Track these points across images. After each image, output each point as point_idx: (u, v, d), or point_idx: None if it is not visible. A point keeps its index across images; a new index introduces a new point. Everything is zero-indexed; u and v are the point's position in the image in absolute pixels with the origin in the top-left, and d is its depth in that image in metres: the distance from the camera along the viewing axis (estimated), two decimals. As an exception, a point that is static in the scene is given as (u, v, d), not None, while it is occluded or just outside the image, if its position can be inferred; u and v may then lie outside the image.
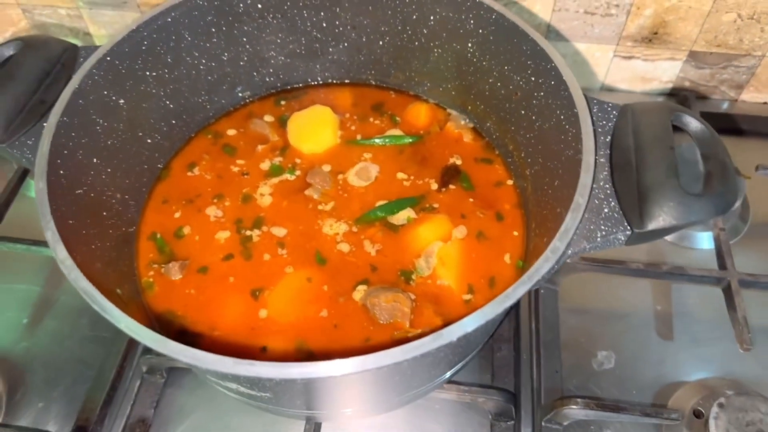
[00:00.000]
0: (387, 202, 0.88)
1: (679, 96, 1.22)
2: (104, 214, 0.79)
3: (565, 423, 0.86)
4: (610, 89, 1.26)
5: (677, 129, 0.70)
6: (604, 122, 0.73)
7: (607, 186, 0.68)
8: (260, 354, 0.75)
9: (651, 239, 0.65)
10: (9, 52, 0.81)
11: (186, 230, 0.87)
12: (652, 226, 0.64)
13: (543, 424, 0.86)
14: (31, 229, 0.98)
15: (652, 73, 1.22)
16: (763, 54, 1.14)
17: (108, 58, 0.79)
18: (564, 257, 0.61)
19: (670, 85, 1.24)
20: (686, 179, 0.66)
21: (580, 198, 0.64)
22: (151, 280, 0.82)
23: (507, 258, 0.83)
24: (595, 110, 0.74)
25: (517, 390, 0.89)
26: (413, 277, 0.82)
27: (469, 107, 0.96)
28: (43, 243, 0.96)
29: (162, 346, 0.55)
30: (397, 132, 0.97)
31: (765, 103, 1.24)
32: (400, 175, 0.92)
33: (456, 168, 0.92)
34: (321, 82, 1.05)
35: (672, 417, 0.82)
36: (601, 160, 0.70)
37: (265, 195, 0.90)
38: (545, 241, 0.71)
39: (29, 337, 0.96)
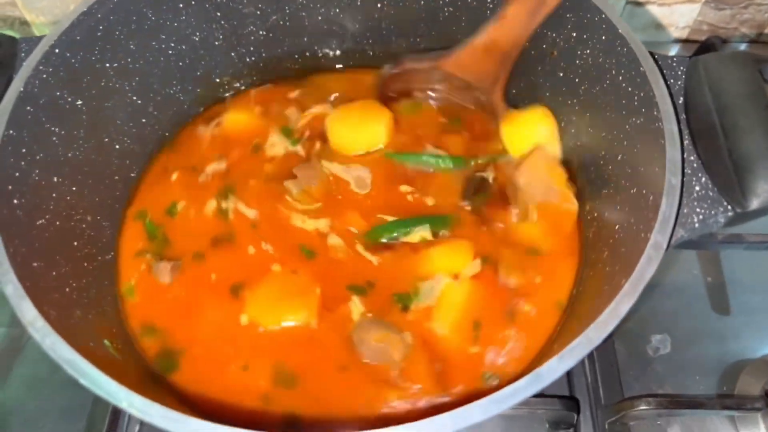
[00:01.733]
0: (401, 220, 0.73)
1: (705, 43, 1.11)
2: (75, 244, 0.65)
3: (632, 423, 0.76)
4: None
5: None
6: (672, 81, 0.62)
7: (692, 158, 0.57)
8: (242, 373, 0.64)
9: (754, 218, 0.55)
10: (-73, 51, 0.65)
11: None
12: (757, 203, 0.53)
13: (606, 426, 0.76)
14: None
15: (668, 19, 1.10)
16: (790, -13, 1.04)
17: (57, 50, 0.64)
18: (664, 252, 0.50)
19: (687, 31, 1.13)
20: None
21: (672, 177, 0.52)
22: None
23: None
24: (658, 67, 0.62)
25: (572, 392, 0.79)
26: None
27: (489, 73, 0.83)
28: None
29: (181, 426, 0.42)
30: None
31: (788, 41, 1.14)
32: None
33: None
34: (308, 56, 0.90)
35: (756, 407, 0.72)
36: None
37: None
38: (620, 228, 0.60)
39: (-1, 391, 0.82)
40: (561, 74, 0.72)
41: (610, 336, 0.73)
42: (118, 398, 0.43)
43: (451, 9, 0.80)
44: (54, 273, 0.58)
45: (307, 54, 0.89)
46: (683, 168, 0.53)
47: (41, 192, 0.61)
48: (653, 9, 1.09)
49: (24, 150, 0.59)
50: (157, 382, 0.63)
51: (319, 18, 0.85)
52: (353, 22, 0.85)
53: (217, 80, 0.85)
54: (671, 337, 0.84)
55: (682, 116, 0.60)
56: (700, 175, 0.56)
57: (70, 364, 0.45)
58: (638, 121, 0.60)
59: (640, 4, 1.08)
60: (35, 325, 0.47)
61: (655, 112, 0.56)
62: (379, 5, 0.83)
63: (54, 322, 0.47)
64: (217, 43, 0.81)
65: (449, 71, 0.77)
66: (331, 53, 0.89)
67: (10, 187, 0.56)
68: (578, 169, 0.73)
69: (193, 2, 0.76)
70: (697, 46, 1.12)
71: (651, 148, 0.56)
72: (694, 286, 0.89)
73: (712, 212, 0.54)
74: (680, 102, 0.60)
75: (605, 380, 0.79)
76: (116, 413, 0.77)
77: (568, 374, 0.80)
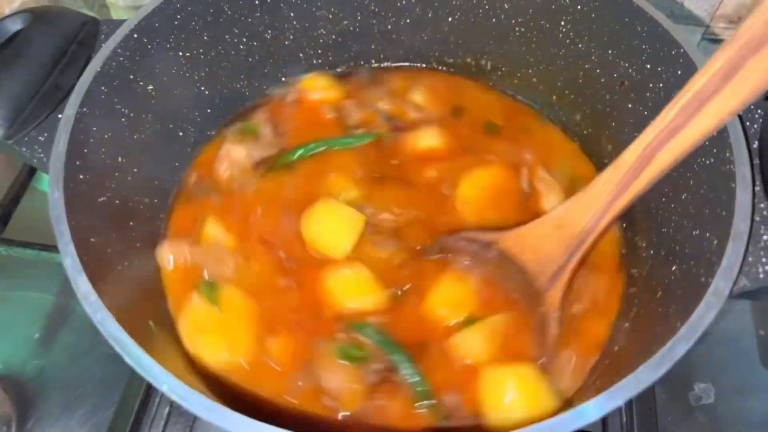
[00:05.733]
0: None
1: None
2: (130, 224, 0.66)
3: (666, 472, 0.73)
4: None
5: None
6: (748, 124, 0.59)
7: (762, 206, 0.54)
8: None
9: (823, 276, 0.52)
10: (16, 26, 0.67)
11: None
12: (829, 260, 0.50)
13: (639, 472, 0.73)
14: (42, 231, 0.85)
15: (744, 59, 1.07)
16: None
17: (135, 35, 0.66)
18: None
19: (762, 74, 1.09)
20: None
21: (741, 223, 0.50)
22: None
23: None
24: (734, 108, 0.59)
25: (605, 430, 0.76)
26: None
27: (554, 97, 0.82)
28: (56, 248, 0.84)
29: (219, 417, 0.42)
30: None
31: None
32: None
33: None
34: (375, 65, 0.90)
35: (801, 473, 0.69)
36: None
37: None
38: (677, 270, 0.58)
39: (41, 355, 0.84)
40: (629, 105, 0.70)
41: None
42: (160, 381, 0.44)
43: (522, 29, 0.79)
44: (109, 250, 0.59)
45: (373, 61, 0.90)
46: (753, 214, 0.51)
47: (105, 171, 0.63)
48: (729, 48, 1.05)
49: (95, 128, 0.61)
50: (194, 372, 0.64)
51: (389, 27, 0.85)
52: (422, 33, 0.85)
53: (283, 79, 0.87)
54: (715, 388, 0.81)
55: (755, 161, 0.57)
56: (769, 224, 0.53)
57: (118, 342, 0.46)
58: (707, 162, 0.58)
59: (715, 41, 1.05)
60: (88, 299, 0.48)
61: (728, 154, 0.54)
62: (450, 19, 0.83)
63: (105, 298, 0.48)
64: (287, 42, 0.83)
65: (506, 248, 0.65)
66: (396, 63, 0.89)
67: (78, 162, 0.57)
68: (637, 205, 0.71)
69: (268, 0, 0.77)
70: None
71: (719, 190, 0.54)
72: (745, 338, 0.86)
73: (779, 264, 0.51)
74: (754, 146, 0.58)
75: (642, 423, 0.77)
76: (150, 390, 0.78)
77: (604, 412, 0.78)
